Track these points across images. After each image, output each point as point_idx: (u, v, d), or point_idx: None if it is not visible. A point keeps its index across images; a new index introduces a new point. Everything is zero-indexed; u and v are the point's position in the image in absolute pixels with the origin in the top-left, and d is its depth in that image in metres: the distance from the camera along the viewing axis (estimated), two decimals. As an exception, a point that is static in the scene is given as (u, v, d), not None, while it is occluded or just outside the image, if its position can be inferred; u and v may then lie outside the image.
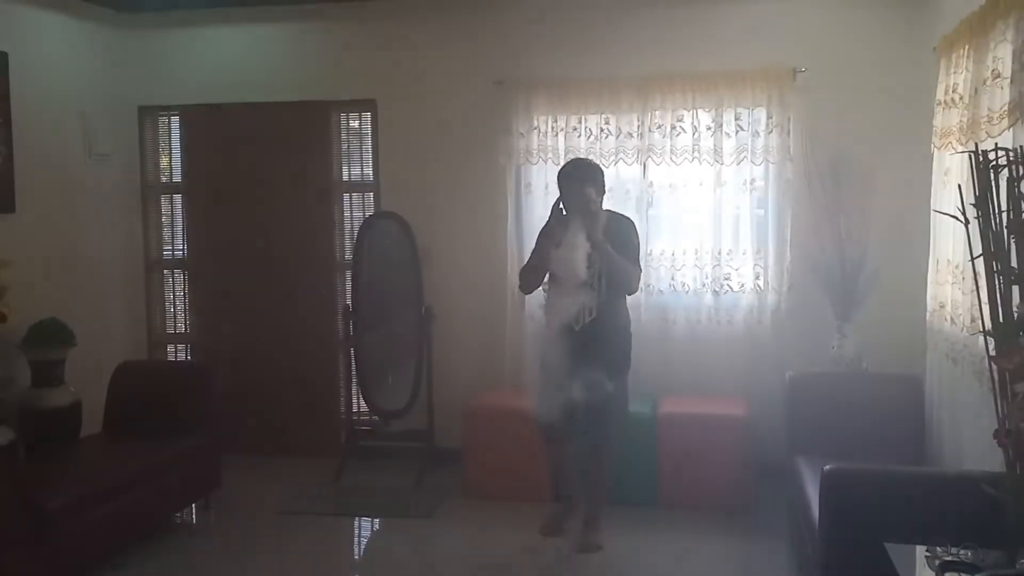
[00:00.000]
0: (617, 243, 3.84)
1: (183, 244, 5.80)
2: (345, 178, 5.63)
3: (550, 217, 3.97)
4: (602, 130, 5.06)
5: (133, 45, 5.59)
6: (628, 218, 4.11)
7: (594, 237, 3.73)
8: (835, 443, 3.91)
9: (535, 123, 5.14)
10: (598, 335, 3.82)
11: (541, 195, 5.17)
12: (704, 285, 5.04)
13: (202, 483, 4.58)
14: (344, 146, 5.63)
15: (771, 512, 4.44)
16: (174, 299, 5.91)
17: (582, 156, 4.09)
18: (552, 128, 5.13)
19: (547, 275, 4.00)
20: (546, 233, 3.92)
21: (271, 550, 4.23)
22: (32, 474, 3.64)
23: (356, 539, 4.64)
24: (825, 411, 4.15)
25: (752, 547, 4.19)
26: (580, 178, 3.87)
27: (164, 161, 5.86)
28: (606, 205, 4.00)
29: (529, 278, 4.03)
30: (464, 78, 5.29)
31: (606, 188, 3.97)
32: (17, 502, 3.36)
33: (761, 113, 4.89)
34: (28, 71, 4.79)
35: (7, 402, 4.38)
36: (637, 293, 5.00)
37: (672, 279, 5.08)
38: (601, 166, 4.07)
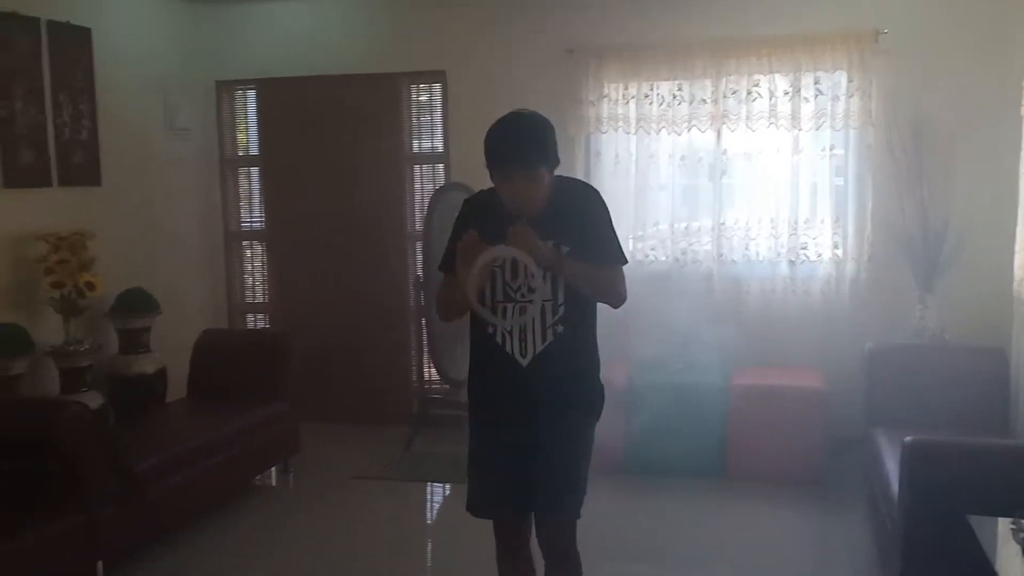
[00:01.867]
0: (576, 230, 2.47)
1: (261, 216, 5.93)
2: (415, 150, 5.67)
3: (465, 207, 2.66)
4: (674, 96, 4.98)
5: (210, 20, 5.70)
6: (589, 187, 2.67)
7: (546, 258, 2.39)
8: (915, 416, 3.82)
9: (605, 91, 5.08)
10: (552, 376, 2.50)
11: (611, 164, 5.13)
12: (780, 255, 4.94)
13: (281, 448, 4.71)
14: (414, 118, 5.66)
15: (847, 485, 4.37)
16: (252, 269, 6.06)
17: (522, 110, 2.46)
18: (623, 96, 5.06)
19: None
20: (468, 260, 2.39)
21: (345, 513, 4.34)
22: (121, 438, 3.79)
23: (427, 505, 4.72)
24: (905, 383, 4.06)
25: (828, 521, 4.13)
26: (516, 149, 2.40)
27: (241, 134, 5.98)
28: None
29: (450, 309, 2.65)
30: (534, 47, 5.25)
31: (558, 155, 2.47)
32: (108, 464, 3.51)
33: (841, 76, 4.75)
34: (110, 47, 4.93)
35: (97, 368, 4.56)
36: (710, 264, 4.99)
37: (746, 248, 4.99)
38: (549, 123, 2.46)
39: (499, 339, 2.50)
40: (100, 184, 4.86)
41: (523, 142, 2.40)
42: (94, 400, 4.27)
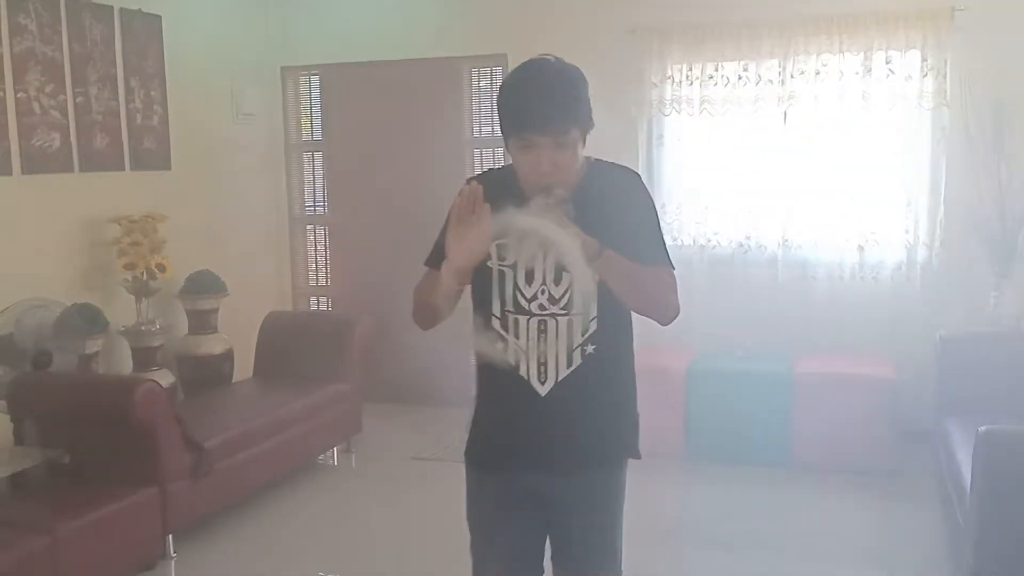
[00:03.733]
0: (613, 225, 1.90)
1: (324, 200, 6.01)
2: (476, 134, 5.68)
3: (469, 183, 1.86)
4: (740, 77, 4.88)
5: (276, 7, 5.77)
6: (631, 172, 2.05)
7: (579, 250, 1.78)
8: (989, 406, 3.69)
9: (669, 72, 5.01)
10: (578, 410, 1.98)
11: (674, 147, 5.06)
12: (848, 240, 4.82)
13: (344, 427, 4.78)
14: (475, 102, 5.67)
15: (916, 477, 4.26)
16: (315, 253, 6.16)
17: (546, 56, 1.89)
18: (687, 77, 4.98)
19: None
20: (464, 220, 1.80)
21: (404, 493, 4.39)
22: (191, 415, 3.90)
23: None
24: (979, 372, 3.94)
25: (896, 513, 4.04)
26: (539, 106, 1.83)
27: (305, 119, 6.06)
28: (597, 151, 2.02)
29: (424, 310, 2.03)
30: (595, 28, 5.19)
31: (592, 117, 1.91)
32: (179, 440, 3.61)
33: (915, 56, 4.59)
34: (180, 34, 5.03)
35: (167, 348, 4.69)
36: (774, 248, 4.89)
37: (813, 233, 4.88)
38: (581, 74, 1.90)
39: (512, 357, 1.95)
40: (170, 168, 4.98)
41: (548, 96, 1.82)
42: (165, 379, 4.39)
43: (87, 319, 4.06)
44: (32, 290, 3.99)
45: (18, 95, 4.09)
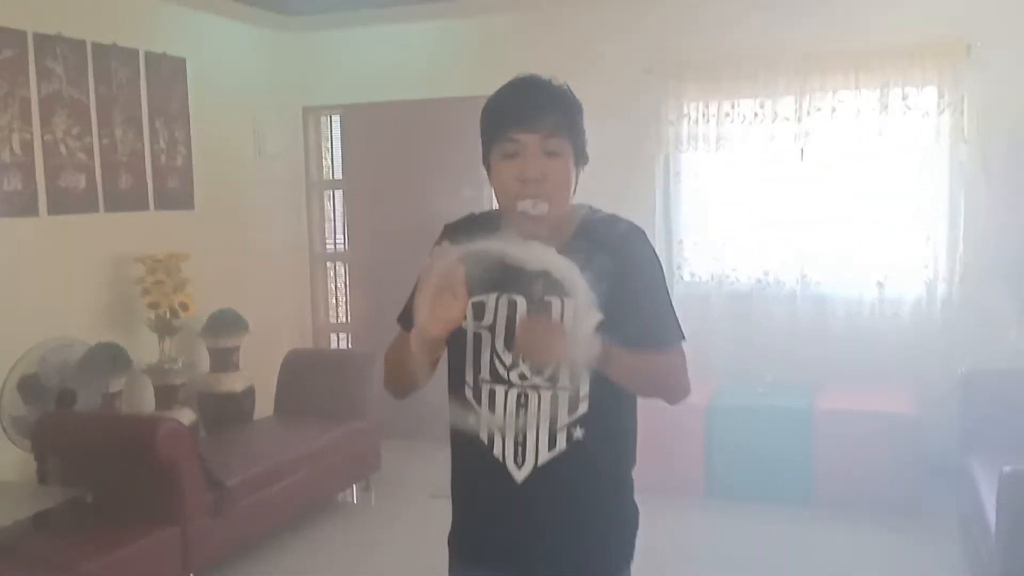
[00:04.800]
0: (613, 289, 1.57)
1: (344, 237, 6.07)
2: (495, 171, 5.72)
3: (443, 238, 1.82)
4: (756, 114, 4.91)
5: (298, 49, 5.88)
6: (637, 229, 1.72)
7: (581, 322, 1.53)
8: (1013, 443, 3.66)
9: (685, 109, 5.05)
10: (560, 501, 1.69)
11: (691, 183, 5.09)
12: (867, 275, 4.81)
13: (363, 465, 4.79)
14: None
15: (940, 514, 4.21)
16: (336, 290, 6.21)
17: (534, 73, 1.72)
18: (703, 114, 5.02)
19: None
20: (442, 277, 1.59)
21: (423, 531, 4.35)
22: (212, 453, 3.92)
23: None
24: (1003, 409, 3.90)
25: (920, 551, 3.98)
26: (529, 106, 1.64)
27: (326, 158, 6.14)
28: (592, 194, 1.77)
29: (397, 378, 1.81)
30: (612, 66, 5.24)
31: (586, 152, 1.70)
32: (201, 479, 3.63)
33: (932, 92, 4.61)
34: (204, 76, 5.13)
35: (189, 386, 4.73)
36: (792, 284, 4.90)
37: (832, 268, 4.88)
38: (573, 96, 1.70)
39: (484, 435, 1.68)
40: (193, 208, 5.05)
41: (537, 91, 1.64)
42: (187, 417, 4.42)
43: (111, 358, 4.11)
44: (57, 328, 4.05)
45: (45, 138, 4.18)
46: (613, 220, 1.74)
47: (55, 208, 4.23)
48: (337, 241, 6.13)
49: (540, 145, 1.61)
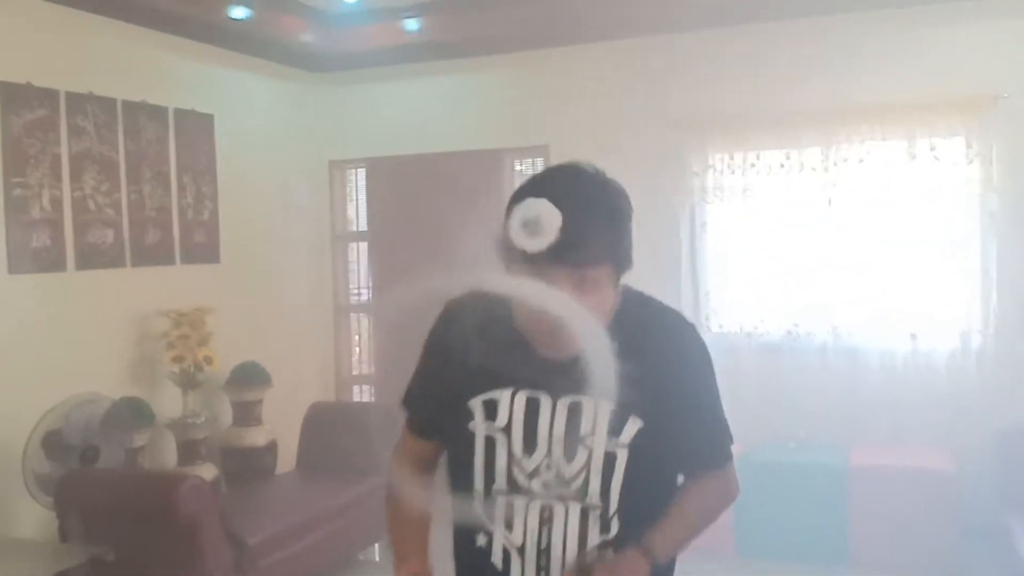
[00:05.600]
0: (656, 394, 1.40)
1: (368, 289, 6.07)
2: (519, 223, 5.71)
3: (445, 320, 1.62)
4: (782, 165, 4.89)
5: (322, 102, 5.95)
6: (684, 322, 1.54)
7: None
8: (1058, 503, 3.54)
9: (710, 160, 5.04)
10: None
11: (718, 234, 5.06)
12: (900, 327, 4.72)
13: (384, 522, 4.70)
14: (518, 192, 5.72)
15: (979, 575, 4.06)
16: (359, 341, 6.18)
17: (579, 162, 1.44)
18: (728, 166, 5.00)
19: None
20: (441, 383, 1.54)
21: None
22: (234, 510, 3.86)
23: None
24: (1045, 467, 3.78)
25: (962, 614, 3.85)
26: (562, 223, 1.34)
27: (351, 211, 6.17)
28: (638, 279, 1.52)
29: (395, 504, 1.67)
30: (637, 118, 5.25)
31: (631, 255, 1.44)
32: (223, 536, 3.57)
33: (959, 142, 4.57)
34: (231, 131, 5.19)
35: (211, 440, 4.69)
36: (824, 336, 4.81)
37: (864, 321, 4.79)
38: (623, 192, 1.47)
39: (496, 558, 1.45)
40: (219, 261, 5.07)
41: (577, 212, 1.32)
42: (209, 472, 4.38)
43: (134, 413, 4.08)
44: (82, 383, 4.04)
45: (74, 194, 4.23)
46: (658, 308, 1.49)
47: (83, 263, 4.25)
48: (362, 293, 6.13)
49: (570, 276, 1.33)
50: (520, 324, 1.39)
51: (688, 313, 5.01)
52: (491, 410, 1.44)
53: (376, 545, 4.80)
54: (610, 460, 1.40)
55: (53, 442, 3.81)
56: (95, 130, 4.35)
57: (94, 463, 3.82)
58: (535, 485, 1.42)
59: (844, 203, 4.78)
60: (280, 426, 4.97)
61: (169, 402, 4.53)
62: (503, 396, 1.44)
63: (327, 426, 4.89)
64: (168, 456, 4.58)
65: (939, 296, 4.68)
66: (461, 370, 1.44)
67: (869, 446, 4.56)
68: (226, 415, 4.89)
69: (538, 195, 1.35)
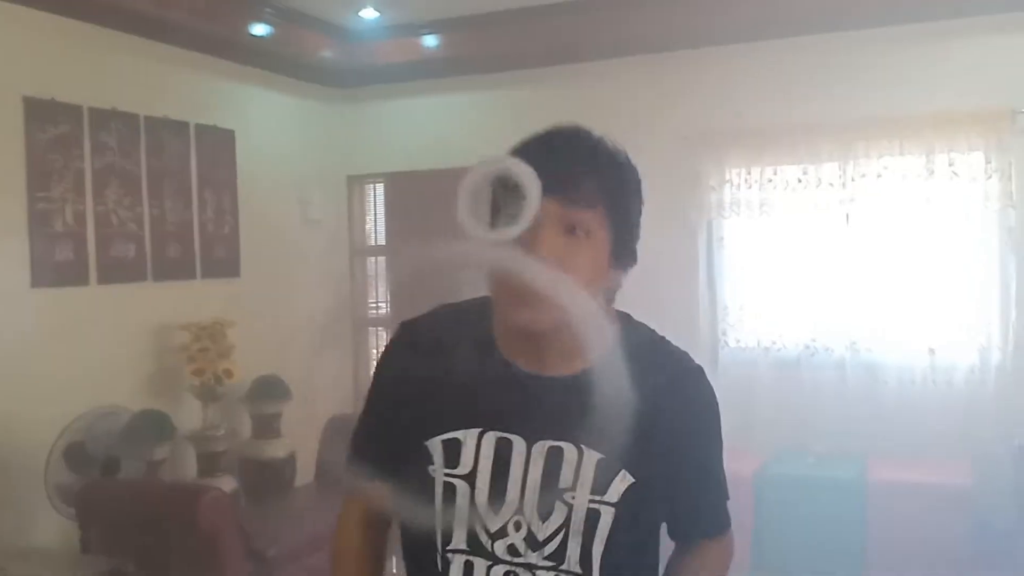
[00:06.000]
0: (652, 444, 1.20)
1: (386, 303, 6.11)
2: (536, 237, 5.74)
3: (400, 339, 1.43)
4: (799, 180, 4.89)
5: (342, 118, 6.00)
6: (688, 363, 1.31)
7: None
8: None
9: (727, 175, 5.04)
10: None
11: (735, 249, 5.06)
12: (918, 342, 4.70)
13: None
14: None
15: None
16: (377, 355, 6.20)
17: (578, 125, 1.30)
18: (745, 180, 5.00)
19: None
20: (395, 419, 1.35)
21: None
22: (253, 522, 3.89)
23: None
24: (1066, 483, 3.75)
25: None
26: (556, 161, 1.26)
27: (369, 225, 6.22)
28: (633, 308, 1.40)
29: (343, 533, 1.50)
30: (652, 132, 5.24)
31: (637, 233, 1.33)
32: (242, 549, 3.59)
33: (978, 157, 4.55)
34: (251, 146, 5.25)
35: (230, 452, 4.73)
36: (842, 351, 4.80)
37: (882, 336, 4.77)
38: (627, 161, 1.36)
39: None
40: (239, 275, 5.12)
41: (577, 152, 1.24)
42: (228, 484, 4.40)
43: (155, 425, 4.12)
44: (103, 396, 4.09)
45: (97, 208, 4.28)
46: (664, 346, 1.27)
47: (104, 277, 4.30)
48: (380, 306, 6.16)
49: (560, 215, 1.15)
50: (499, 297, 1.21)
51: (705, 328, 5.05)
52: (452, 454, 1.22)
53: (393, 558, 4.80)
54: (592, 520, 1.18)
55: (75, 454, 3.86)
56: (118, 145, 4.41)
57: (115, 475, 3.86)
58: (499, 548, 1.20)
59: (862, 218, 4.78)
60: (299, 439, 5.00)
61: (189, 414, 4.57)
62: (467, 438, 1.21)
63: (346, 439, 4.90)
64: (188, 468, 4.62)
65: (958, 311, 4.66)
66: (418, 404, 1.24)
67: (887, 461, 4.53)
68: (246, 428, 4.93)
69: (533, 139, 1.24)
